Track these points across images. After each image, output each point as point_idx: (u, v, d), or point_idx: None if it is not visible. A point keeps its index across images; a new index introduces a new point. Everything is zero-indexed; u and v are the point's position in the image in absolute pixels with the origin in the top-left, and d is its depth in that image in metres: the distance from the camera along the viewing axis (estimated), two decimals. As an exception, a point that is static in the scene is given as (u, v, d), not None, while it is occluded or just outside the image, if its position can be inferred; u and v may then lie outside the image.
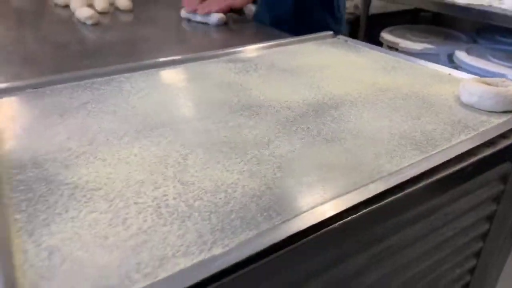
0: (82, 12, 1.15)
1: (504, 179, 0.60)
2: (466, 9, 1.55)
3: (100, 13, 1.22)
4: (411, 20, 2.36)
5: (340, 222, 0.34)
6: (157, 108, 0.54)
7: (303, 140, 0.47)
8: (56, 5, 1.37)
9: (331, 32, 0.89)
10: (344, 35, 0.89)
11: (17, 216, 0.33)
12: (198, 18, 1.11)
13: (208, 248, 0.30)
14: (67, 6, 1.35)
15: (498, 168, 0.56)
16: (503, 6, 1.48)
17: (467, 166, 0.45)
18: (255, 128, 0.50)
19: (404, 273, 0.51)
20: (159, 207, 0.35)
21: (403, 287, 0.54)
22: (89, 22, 1.13)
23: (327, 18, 1.17)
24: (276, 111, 0.54)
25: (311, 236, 0.33)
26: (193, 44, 1.01)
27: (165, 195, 0.37)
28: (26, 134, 0.46)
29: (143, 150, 0.44)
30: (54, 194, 0.36)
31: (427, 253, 0.55)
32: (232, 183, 0.39)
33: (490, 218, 0.64)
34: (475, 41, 1.85)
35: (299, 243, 0.32)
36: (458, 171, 0.44)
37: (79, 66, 0.74)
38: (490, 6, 1.51)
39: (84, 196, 0.36)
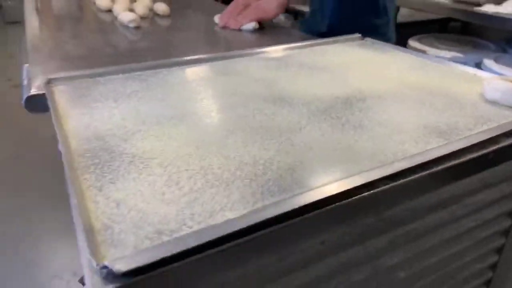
0: (125, 16, 1.24)
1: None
2: (495, 18, 1.55)
3: (141, 17, 1.31)
4: (439, 29, 2.36)
5: (360, 196, 0.38)
6: (198, 97, 0.59)
7: (332, 127, 0.51)
8: (99, 10, 1.48)
9: (359, 35, 0.93)
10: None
11: (86, 176, 0.39)
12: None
13: (250, 206, 0.35)
14: (109, 11, 1.45)
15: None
16: (534, 15, 1.47)
17: (488, 153, 0.48)
18: (287, 115, 0.54)
19: (423, 261, 0.54)
20: (206, 174, 0.40)
21: (421, 274, 0.56)
22: (131, 25, 1.22)
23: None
24: (307, 102, 0.59)
25: (330, 206, 0.36)
26: (227, 45, 1.07)
27: (210, 165, 0.42)
28: (87, 114, 0.52)
29: (189, 130, 0.49)
30: (116, 161, 0.42)
31: (448, 242, 0.57)
32: (269, 158, 0.43)
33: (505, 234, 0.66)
34: (504, 50, 1.85)
35: (322, 209, 0.36)
36: (479, 157, 0.47)
37: (126, 62, 0.81)
38: (520, 14, 1.51)
39: (142, 163, 0.41)
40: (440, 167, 0.44)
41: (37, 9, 1.51)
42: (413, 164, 0.42)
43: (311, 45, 0.88)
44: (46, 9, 1.62)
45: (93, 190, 0.37)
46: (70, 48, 0.99)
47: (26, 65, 0.84)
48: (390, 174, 0.40)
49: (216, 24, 1.23)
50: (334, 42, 0.90)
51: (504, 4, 1.59)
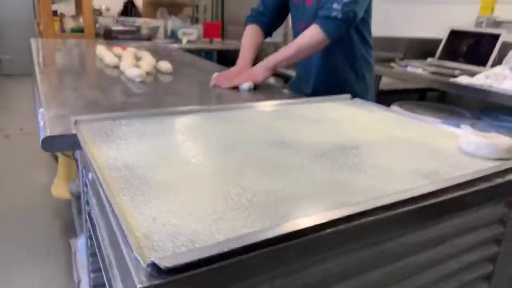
0: (132, 71, 1.35)
1: (502, 222, 0.69)
2: (469, 89, 1.72)
3: (146, 73, 1.42)
4: (419, 98, 2.56)
5: (349, 225, 0.43)
6: (211, 138, 0.67)
7: (331, 167, 0.58)
8: (106, 66, 1.59)
9: (349, 95, 1.04)
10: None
11: (122, 198, 0.44)
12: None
13: (267, 225, 0.41)
14: (115, 67, 1.57)
15: (495, 209, 0.65)
16: (503, 87, 1.64)
17: (466, 195, 0.55)
18: (291, 157, 0.61)
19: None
20: (226, 200, 0.46)
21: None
22: (137, 79, 1.32)
23: (355, 88, 1.34)
24: (307, 147, 0.66)
25: (331, 229, 0.42)
26: (228, 99, 1.16)
27: (229, 193, 0.48)
28: (115, 149, 0.58)
29: (207, 164, 0.56)
30: (146, 186, 0.47)
31: (435, 279, 0.62)
32: (278, 189, 0.50)
33: (493, 259, 0.71)
34: (479, 118, 2.00)
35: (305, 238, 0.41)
36: (459, 196, 0.54)
37: (138, 108, 0.89)
38: (491, 86, 1.68)
39: (169, 188, 0.47)
40: (425, 203, 0.51)
41: (43, 64, 1.62)
42: (403, 198, 0.48)
43: (307, 102, 0.98)
44: (50, 63, 1.74)
45: (130, 208, 0.42)
46: (84, 96, 1.08)
47: (41, 109, 0.90)
48: (384, 204, 0.47)
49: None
50: (327, 100, 1.01)
51: (477, 76, 1.77)
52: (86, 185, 0.75)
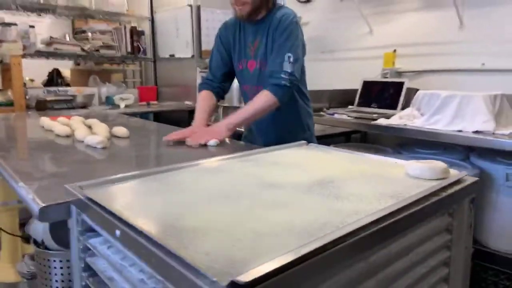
0: (93, 139, 1.38)
1: (448, 230, 0.86)
2: (389, 128, 2.02)
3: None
4: (345, 140, 2.88)
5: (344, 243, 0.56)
6: (211, 187, 0.76)
7: (321, 198, 0.71)
8: (58, 135, 1.59)
9: (305, 141, 1.20)
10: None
11: (170, 242, 0.51)
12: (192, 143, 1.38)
13: (295, 246, 0.51)
14: (68, 136, 1.57)
15: (442, 219, 0.82)
16: (415, 124, 1.96)
17: (424, 207, 0.71)
18: (285, 194, 0.73)
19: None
20: (253, 232, 0.55)
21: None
22: (99, 146, 1.35)
23: (303, 136, 1.53)
24: (293, 186, 0.78)
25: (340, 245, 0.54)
26: (201, 154, 1.25)
27: (253, 227, 0.57)
28: (133, 207, 0.64)
29: (219, 207, 0.64)
30: (183, 231, 0.55)
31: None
32: (289, 220, 0.60)
33: (447, 263, 0.87)
34: (399, 153, 2.32)
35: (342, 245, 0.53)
36: (421, 208, 0.69)
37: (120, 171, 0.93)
38: (405, 125, 2.00)
39: (202, 230, 0.55)
40: (401, 215, 0.65)
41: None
42: (386, 213, 0.62)
43: (272, 150, 1.11)
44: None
45: (182, 249, 0.49)
46: (56, 167, 1.09)
47: (21, 183, 0.91)
48: (375, 219, 0.59)
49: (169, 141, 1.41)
50: (288, 147, 1.16)
51: (392, 118, 2.09)
52: (85, 251, 0.77)
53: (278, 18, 1.44)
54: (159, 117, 3.38)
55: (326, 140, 2.66)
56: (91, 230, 0.78)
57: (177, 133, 1.42)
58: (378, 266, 0.64)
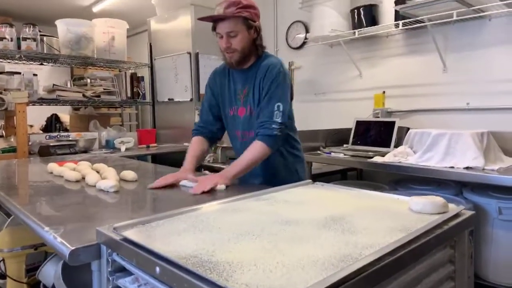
0: (105, 183, 1.43)
1: (451, 261, 0.92)
2: (386, 166, 2.11)
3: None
4: (341, 177, 2.96)
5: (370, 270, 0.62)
6: (232, 225, 0.82)
7: (337, 233, 0.77)
8: (67, 181, 1.64)
9: (310, 180, 1.27)
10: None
11: (211, 276, 0.57)
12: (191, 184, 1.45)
13: (323, 276, 0.57)
14: (77, 181, 1.63)
15: (445, 251, 0.89)
16: (409, 161, 2.06)
17: (430, 239, 0.78)
18: (304, 230, 0.79)
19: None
20: (283, 266, 0.61)
21: None
22: (112, 190, 1.40)
23: (288, 180, 1.60)
24: (308, 222, 0.85)
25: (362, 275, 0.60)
26: (213, 197, 1.30)
27: (281, 260, 0.63)
28: (168, 245, 0.70)
29: (247, 243, 0.70)
30: (219, 266, 0.60)
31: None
32: (313, 254, 0.66)
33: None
34: (395, 189, 2.40)
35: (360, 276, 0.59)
36: (428, 240, 0.76)
37: (141, 213, 0.99)
38: (400, 162, 2.10)
39: (238, 264, 0.61)
40: (411, 247, 0.72)
41: (6, 189, 1.61)
42: (399, 244, 0.69)
43: (280, 189, 1.18)
44: (10, 187, 1.72)
45: (224, 281, 0.55)
46: (76, 211, 1.14)
47: (47, 228, 0.96)
48: (390, 251, 0.66)
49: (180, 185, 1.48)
50: (295, 186, 1.23)
51: (387, 155, 2.19)
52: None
53: (265, 67, 1.52)
54: (156, 158, 3.44)
55: (323, 178, 2.74)
56: (120, 270, 0.83)
57: (160, 181, 1.47)
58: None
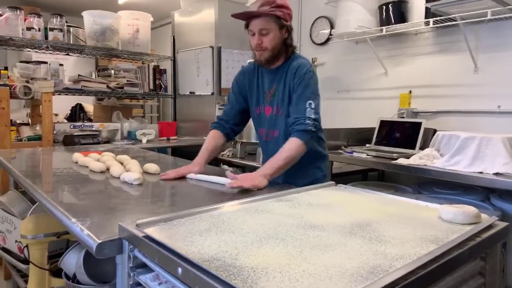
0: (129, 176, 1.44)
1: (482, 274, 0.88)
2: (410, 168, 2.05)
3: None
4: (362, 177, 2.90)
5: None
6: (256, 227, 0.80)
7: (364, 241, 0.74)
8: (92, 171, 1.66)
9: (333, 182, 1.24)
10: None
11: (235, 282, 0.55)
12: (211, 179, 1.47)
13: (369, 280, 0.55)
14: (102, 172, 1.65)
15: (475, 263, 0.84)
16: (435, 165, 2.00)
17: (464, 251, 0.74)
18: (329, 237, 0.77)
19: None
20: (310, 275, 0.59)
21: None
22: (135, 182, 1.41)
23: (311, 176, 1.59)
24: (333, 227, 0.82)
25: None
26: (229, 196, 1.29)
27: (307, 269, 0.61)
28: (191, 245, 0.69)
29: (272, 248, 0.68)
30: (244, 271, 0.59)
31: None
32: (340, 263, 0.64)
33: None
34: (419, 192, 2.34)
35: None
36: (459, 254, 0.73)
37: (162, 208, 0.98)
38: (425, 165, 2.03)
39: (262, 270, 0.59)
40: (443, 260, 0.68)
41: (31, 176, 1.64)
42: (432, 257, 0.65)
43: (303, 191, 1.16)
44: (35, 175, 1.76)
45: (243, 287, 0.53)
46: (99, 203, 1.14)
47: (74, 219, 0.97)
48: (422, 264, 0.63)
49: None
50: (318, 187, 1.20)
51: (412, 157, 2.13)
52: (134, 287, 0.81)
53: (295, 67, 1.53)
54: (176, 151, 3.46)
55: (343, 177, 2.70)
56: (141, 266, 0.82)
57: (170, 173, 1.54)
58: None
